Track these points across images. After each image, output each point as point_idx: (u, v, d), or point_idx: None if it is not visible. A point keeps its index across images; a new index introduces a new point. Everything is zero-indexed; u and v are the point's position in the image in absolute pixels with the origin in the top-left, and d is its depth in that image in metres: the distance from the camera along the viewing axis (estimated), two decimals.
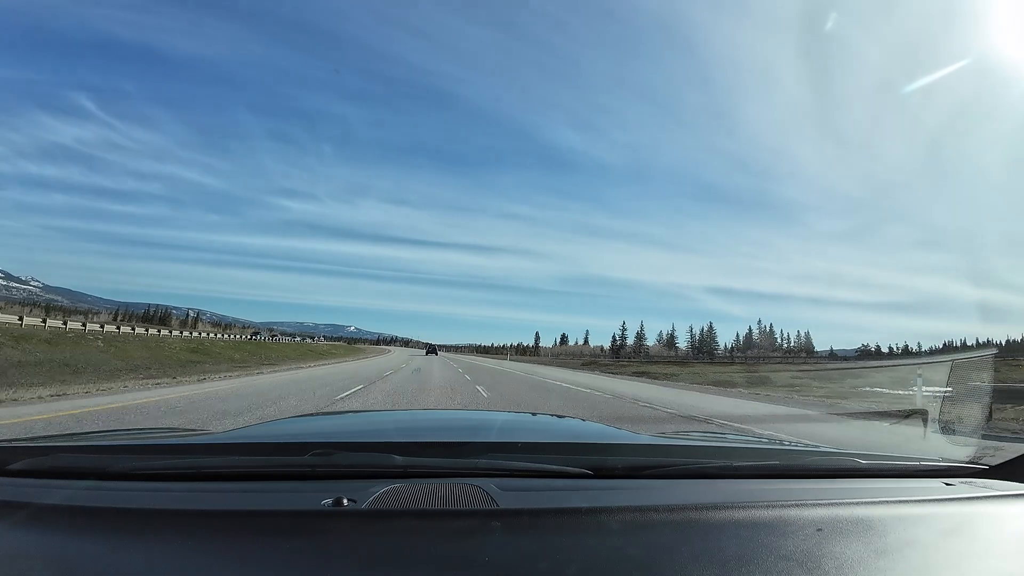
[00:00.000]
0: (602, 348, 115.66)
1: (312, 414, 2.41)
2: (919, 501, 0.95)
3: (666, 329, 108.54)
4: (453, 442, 1.28)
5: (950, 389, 9.46)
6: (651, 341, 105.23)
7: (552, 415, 2.53)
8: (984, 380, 9.50)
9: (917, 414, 8.91)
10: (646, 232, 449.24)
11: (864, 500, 0.91)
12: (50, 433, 4.62)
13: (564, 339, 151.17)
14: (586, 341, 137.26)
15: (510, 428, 1.92)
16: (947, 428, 8.30)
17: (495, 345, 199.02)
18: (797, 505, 0.86)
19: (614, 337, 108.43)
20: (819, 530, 0.77)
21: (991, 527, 0.86)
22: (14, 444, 1.15)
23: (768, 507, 0.84)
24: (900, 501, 0.94)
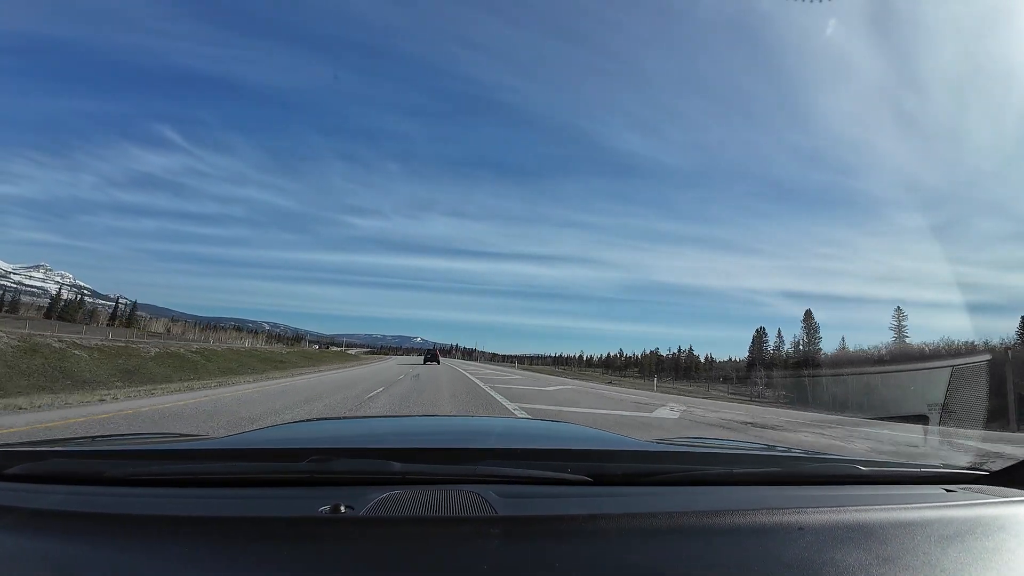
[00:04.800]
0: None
1: (311, 420, 2.78)
2: (920, 508, 0.94)
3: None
4: (451, 448, 1.28)
5: (950, 395, 9.42)
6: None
7: (552, 421, 2.54)
8: (981, 386, 9.38)
9: (917, 419, 8.97)
10: (714, 236, 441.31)
11: (865, 507, 0.91)
12: (60, 436, 4.28)
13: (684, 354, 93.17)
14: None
15: (509, 434, 1.92)
16: (946, 433, 8.43)
17: (577, 356, 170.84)
18: (798, 512, 0.85)
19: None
20: (820, 537, 0.78)
21: (992, 533, 0.85)
22: (10, 448, 1.16)
23: (769, 514, 0.84)
24: (901, 508, 0.93)
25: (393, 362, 56.93)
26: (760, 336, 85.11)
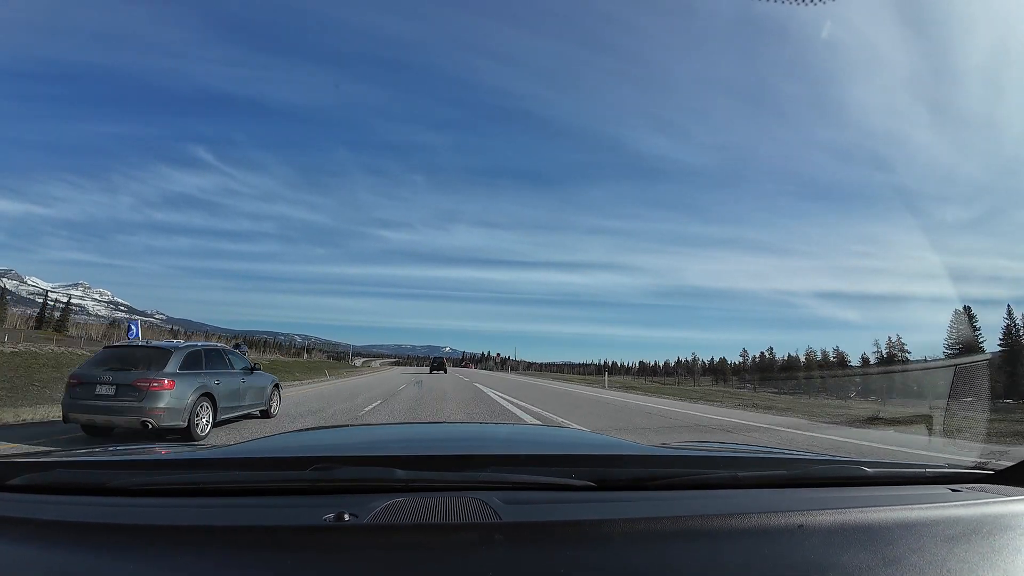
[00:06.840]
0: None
1: (314, 428, 2.82)
2: (926, 508, 0.94)
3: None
4: (455, 455, 1.27)
5: (953, 395, 9.49)
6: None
7: (556, 426, 2.46)
8: (983, 386, 9.40)
9: (922, 420, 9.11)
10: (745, 237, 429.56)
11: (870, 508, 0.90)
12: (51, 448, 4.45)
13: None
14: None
15: (513, 440, 1.91)
16: (951, 434, 8.61)
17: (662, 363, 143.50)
18: (803, 514, 0.84)
19: None
20: (826, 539, 0.77)
21: (998, 532, 0.85)
22: (14, 459, 1.15)
23: (774, 516, 0.83)
24: (907, 508, 0.92)
25: (396, 372, 51.57)
26: (968, 318, 51.00)
